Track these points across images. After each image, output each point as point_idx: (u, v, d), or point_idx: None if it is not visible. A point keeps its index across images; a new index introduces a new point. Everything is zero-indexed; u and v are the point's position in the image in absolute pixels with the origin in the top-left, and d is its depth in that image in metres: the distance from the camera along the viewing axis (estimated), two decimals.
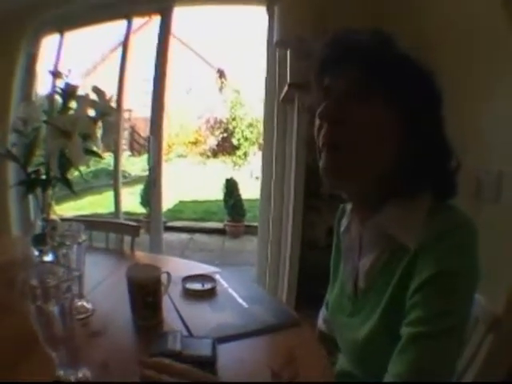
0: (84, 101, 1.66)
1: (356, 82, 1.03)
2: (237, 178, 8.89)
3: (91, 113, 1.69)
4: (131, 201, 8.98)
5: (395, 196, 1.06)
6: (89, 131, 1.61)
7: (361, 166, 1.04)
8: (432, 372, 0.88)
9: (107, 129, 1.70)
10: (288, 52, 3.04)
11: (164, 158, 4.22)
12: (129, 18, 4.09)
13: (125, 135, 13.09)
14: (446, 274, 0.91)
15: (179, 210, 10.45)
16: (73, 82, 1.69)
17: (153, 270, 1.48)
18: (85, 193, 10.43)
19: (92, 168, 10.26)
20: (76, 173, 1.71)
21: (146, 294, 1.42)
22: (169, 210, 9.89)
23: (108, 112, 1.70)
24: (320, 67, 1.12)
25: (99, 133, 1.69)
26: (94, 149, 1.70)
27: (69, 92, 1.68)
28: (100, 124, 1.70)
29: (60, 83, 1.70)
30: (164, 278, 1.53)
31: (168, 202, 9.85)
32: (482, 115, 2.26)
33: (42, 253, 1.66)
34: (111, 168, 4.61)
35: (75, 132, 1.54)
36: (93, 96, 1.70)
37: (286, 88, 3.00)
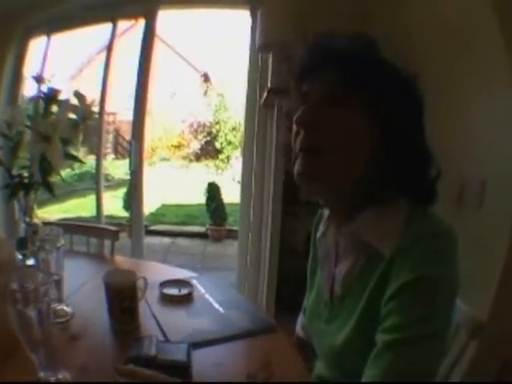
0: (65, 105, 1.67)
1: (333, 87, 1.03)
2: (219, 182, 8.87)
3: (73, 117, 1.70)
4: (114, 204, 8.92)
5: (371, 202, 1.06)
6: (69, 136, 1.62)
7: (337, 171, 1.04)
8: (406, 379, 0.87)
9: (88, 133, 1.70)
10: (270, 56, 3.05)
11: (147, 161, 4.23)
12: (114, 21, 4.08)
13: (109, 138, 13.01)
14: (423, 279, 0.90)
15: (162, 213, 10.39)
16: (58, 85, 1.70)
17: (129, 276, 1.49)
18: (69, 196, 10.36)
19: (76, 171, 10.17)
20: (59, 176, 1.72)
21: (122, 299, 1.44)
22: (151, 214, 9.85)
23: (89, 116, 1.71)
24: (299, 73, 1.12)
25: (81, 137, 1.70)
26: (75, 153, 1.70)
27: (51, 96, 1.68)
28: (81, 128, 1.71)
29: (43, 87, 1.71)
30: (141, 283, 1.54)
31: (151, 205, 9.82)
32: (465, 124, 2.28)
33: (25, 256, 1.66)
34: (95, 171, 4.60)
35: (55, 137, 1.55)
36: (74, 100, 1.71)
37: (265, 93, 3.01)
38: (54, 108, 1.69)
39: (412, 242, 0.94)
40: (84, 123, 1.70)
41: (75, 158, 1.72)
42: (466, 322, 1.39)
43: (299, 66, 1.12)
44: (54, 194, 1.70)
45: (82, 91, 1.70)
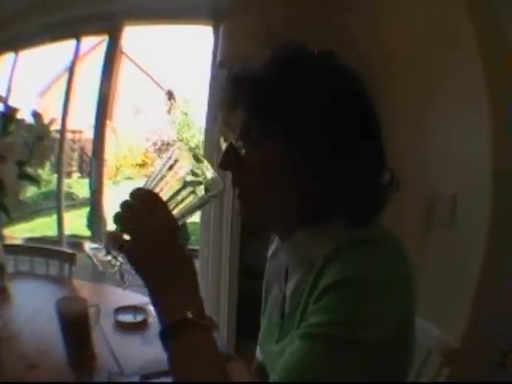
0: (20, 125, 1.63)
1: (244, 123, 0.98)
2: None
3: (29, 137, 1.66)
4: (79, 223, 8.79)
5: (306, 223, 1.00)
6: (24, 157, 1.59)
7: (265, 208, 1.02)
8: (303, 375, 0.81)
9: (42, 153, 1.67)
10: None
11: (112, 180, 4.19)
12: (78, 38, 4.06)
13: (74, 156, 12.86)
14: (348, 282, 0.83)
15: None
16: (25, 102, 1.67)
17: (81, 303, 1.46)
18: (34, 215, 10.19)
19: (43, 189, 10.04)
20: (27, 194, 1.69)
21: (74, 328, 1.41)
22: None
23: (45, 136, 1.68)
24: (219, 108, 1.07)
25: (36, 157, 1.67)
26: (39, 172, 1.68)
27: (8, 116, 1.65)
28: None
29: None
30: (92, 311, 1.51)
31: (113, 225, 9.69)
32: (434, 136, 2.28)
33: None
34: None
35: (10, 158, 1.52)
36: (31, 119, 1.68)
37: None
38: (12, 127, 1.66)
39: (343, 248, 0.88)
40: (40, 143, 1.66)
41: (31, 179, 1.68)
42: (438, 347, 1.39)
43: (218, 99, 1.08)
44: (10, 217, 1.66)
45: (51, 108, 1.68)
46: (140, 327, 1.66)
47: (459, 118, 2.14)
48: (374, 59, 2.47)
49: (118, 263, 0.98)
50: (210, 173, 0.96)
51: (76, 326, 1.41)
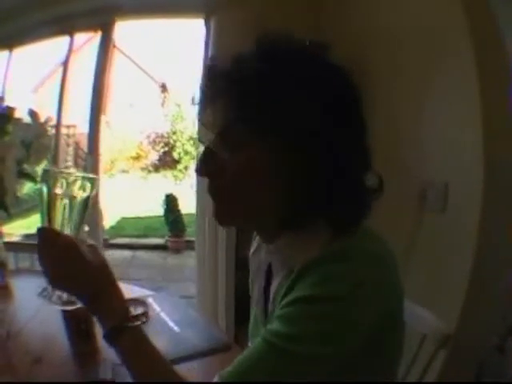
0: (18, 125, 1.65)
1: (224, 122, 0.93)
2: (178, 192, 8.89)
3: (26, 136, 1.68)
4: None
5: (289, 228, 0.98)
6: (23, 156, 1.60)
7: (245, 213, 0.99)
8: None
9: (39, 151, 1.69)
10: None
11: (107, 173, 4.19)
12: (71, 34, 4.06)
13: (69, 151, 12.80)
14: (317, 298, 0.84)
15: (122, 226, 10.28)
16: (19, 98, 1.69)
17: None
18: (32, 211, 10.14)
19: (38, 185, 9.97)
20: (25, 190, 1.71)
21: (77, 321, 1.44)
22: (111, 227, 9.76)
23: (42, 134, 1.69)
24: (199, 107, 1.01)
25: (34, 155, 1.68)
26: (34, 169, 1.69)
27: (6, 115, 1.66)
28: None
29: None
30: None
31: (111, 218, 9.71)
32: (426, 125, 2.28)
33: None
34: None
35: (9, 157, 1.53)
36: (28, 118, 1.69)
37: None
38: (10, 127, 1.67)
39: (317, 261, 0.87)
40: (37, 141, 1.68)
41: (30, 177, 1.70)
42: (432, 332, 1.39)
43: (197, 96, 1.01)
44: (9, 214, 1.68)
45: (45, 103, 1.70)
46: (140, 320, 1.68)
47: (452, 107, 2.14)
48: (370, 49, 2.49)
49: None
50: (73, 175, 1.04)
51: (80, 319, 1.44)
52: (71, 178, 1.04)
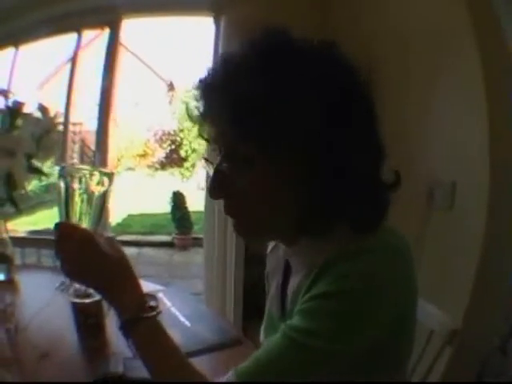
0: (28, 119, 1.66)
1: (231, 138, 0.89)
2: (185, 190, 8.88)
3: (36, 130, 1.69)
4: None
5: (311, 232, 0.96)
6: (33, 150, 1.61)
7: (263, 227, 0.99)
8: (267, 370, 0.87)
9: (48, 146, 1.70)
10: None
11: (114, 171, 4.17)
12: (79, 31, 4.07)
13: (75, 148, 12.83)
14: (337, 294, 0.84)
15: (128, 223, 10.29)
16: (26, 95, 1.69)
17: (94, 293, 1.49)
18: (37, 208, 10.15)
19: (44, 182, 10.00)
20: (29, 188, 1.71)
21: (87, 315, 1.45)
22: (118, 224, 9.74)
23: (52, 129, 1.70)
24: (200, 117, 0.97)
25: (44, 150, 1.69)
26: (40, 165, 1.70)
27: (15, 110, 1.67)
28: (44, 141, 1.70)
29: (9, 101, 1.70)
30: None
31: (117, 215, 9.72)
32: (433, 125, 2.30)
33: None
34: None
35: (20, 152, 1.54)
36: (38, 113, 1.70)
37: None
38: (19, 122, 1.68)
39: (337, 258, 0.87)
40: (47, 136, 1.69)
41: (39, 172, 1.71)
42: (439, 328, 1.39)
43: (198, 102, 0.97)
44: (19, 209, 1.69)
45: (50, 100, 1.70)
46: (156, 310, 1.68)
47: (458, 108, 2.16)
48: (377, 50, 2.49)
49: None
50: (91, 170, 1.07)
51: (90, 313, 1.44)
52: (89, 174, 1.06)
